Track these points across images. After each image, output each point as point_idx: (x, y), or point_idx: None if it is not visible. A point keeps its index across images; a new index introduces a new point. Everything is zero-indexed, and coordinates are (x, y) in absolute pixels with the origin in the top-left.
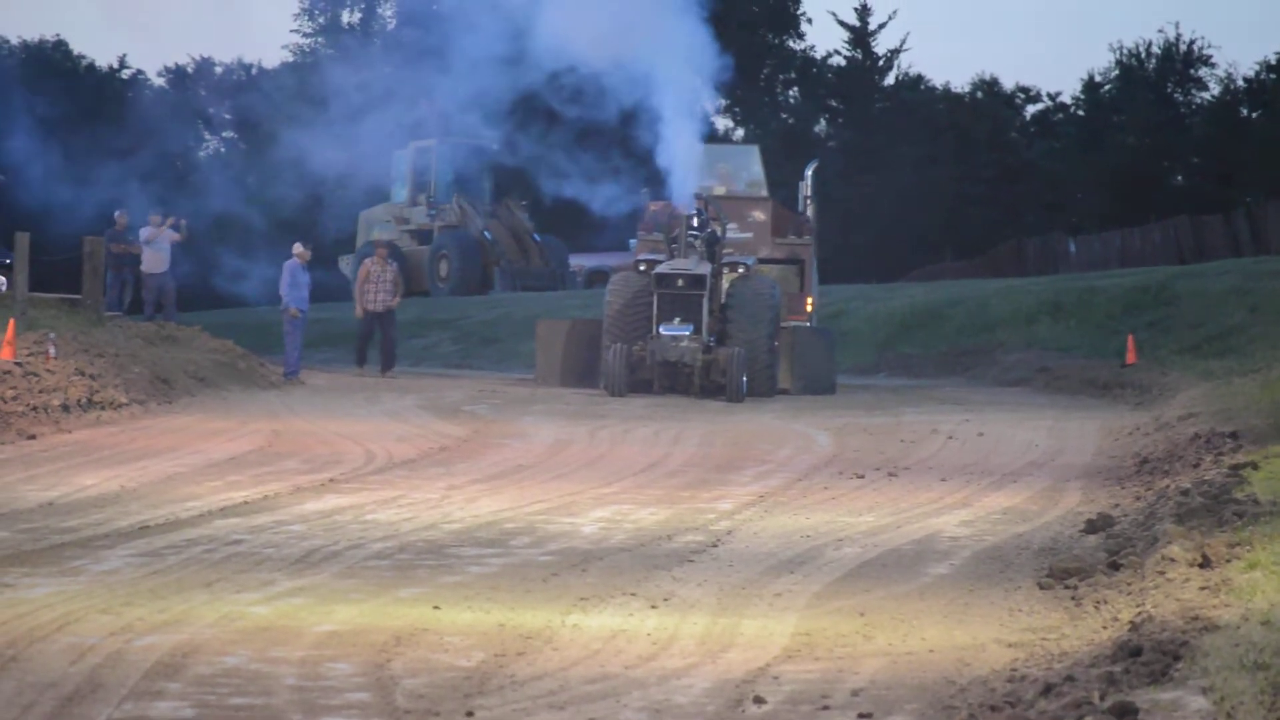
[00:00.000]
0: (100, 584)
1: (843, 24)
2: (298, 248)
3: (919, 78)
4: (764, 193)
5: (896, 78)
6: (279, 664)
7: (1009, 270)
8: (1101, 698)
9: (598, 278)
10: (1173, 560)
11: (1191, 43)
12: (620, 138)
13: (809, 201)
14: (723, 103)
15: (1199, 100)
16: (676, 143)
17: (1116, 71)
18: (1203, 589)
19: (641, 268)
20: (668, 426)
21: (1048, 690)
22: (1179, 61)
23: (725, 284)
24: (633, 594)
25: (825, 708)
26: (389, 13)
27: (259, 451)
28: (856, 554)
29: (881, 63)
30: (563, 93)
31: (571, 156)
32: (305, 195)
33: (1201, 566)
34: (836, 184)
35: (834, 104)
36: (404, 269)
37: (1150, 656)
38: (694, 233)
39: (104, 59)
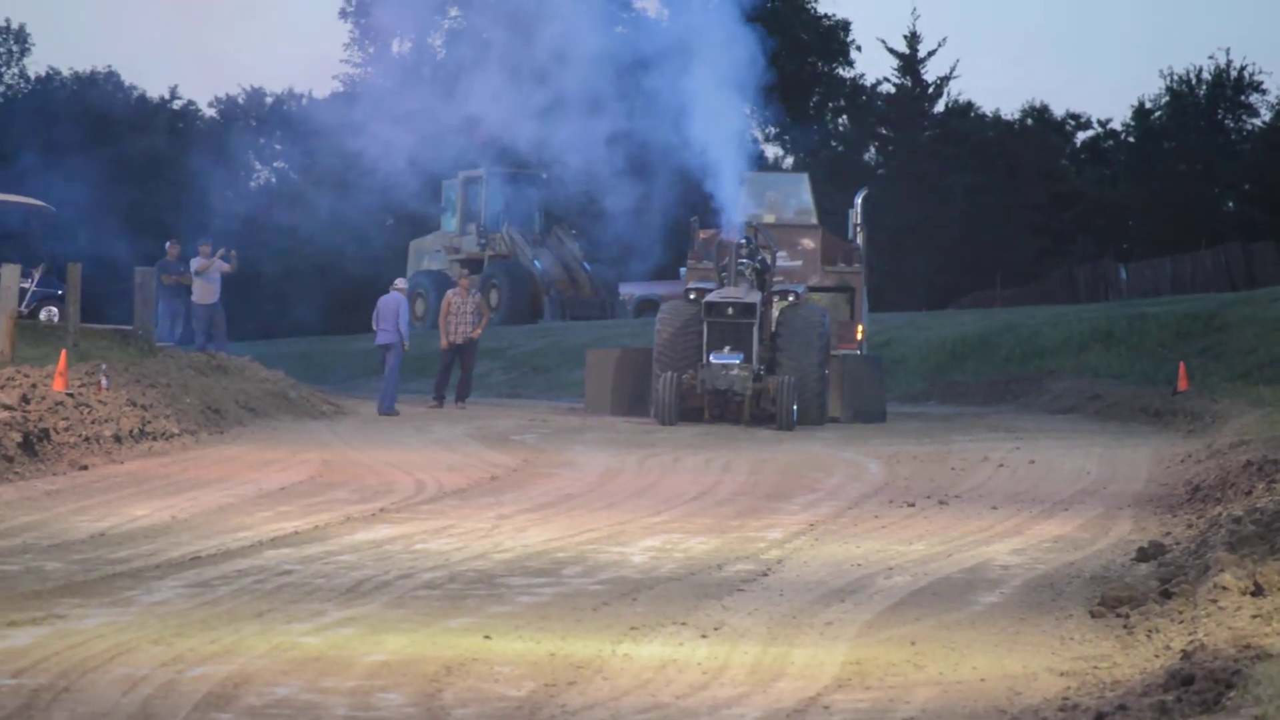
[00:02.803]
0: (152, 614)
1: (892, 51)
2: (400, 283)
3: (969, 105)
4: (813, 220)
5: (946, 105)
6: (330, 694)
7: (1060, 297)
8: None
9: (647, 306)
10: (1225, 588)
11: (1242, 69)
12: (669, 164)
13: (859, 229)
14: (772, 130)
15: (1250, 126)
16: (725, 171)
17: (1167, 98)
18: (1255, 617)
19: (691, 296)
20: (718, 455)
21: (1100, 719)
22: (1230, 88)
23: (775, 312)
24: (683, 623)
25: None
26: (438, 42)
27: (310, 481)
28: (907, 583)
29: (931, 90)
30: (612, 117)
31: (618, 183)
32: (354, 224)
33: (1254, 594)
34: (886, 212)
35: (883, 131)
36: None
37: (1202, 685)
38: (744, 261)
39: (155, 89)
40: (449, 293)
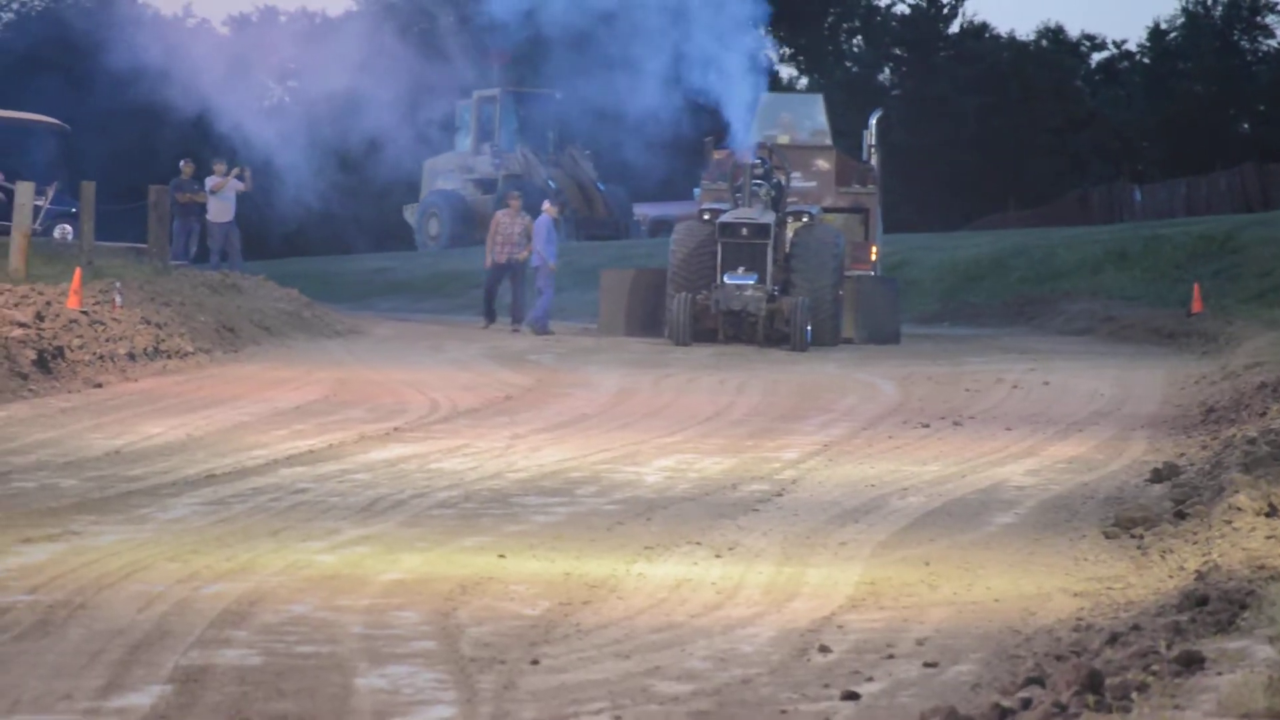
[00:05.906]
0: (167, 532)
1: None
2: (548, 205)
3: (983, 26)
4: (828, 141)
5: (961, 26)
6: (345, 612)
7: (1074, 219)
8: (1168, 647)
9: (661, 227)
10: (1239, 509)
11: None
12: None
13: (873, 150)
14: (784, 49)
15: (1265, 48)
16: (739, 91)
17: (1182, 19)
18: (1269, 538)
19: (706, 217)
20: (732, 375)
21: (1114, 640)
22: (1245, 8)
23: (789, 233)
24: (698, 543)
25: (890, 657)
26: None
27: (324, 400)
28: (921, 503)
29: (946, 10)
30: (620, 38)
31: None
32: (366, 145)
33: (1268, 515)
34: (900, 133)
35: (898, 52)
36: (468, 218)
37: (1217, 606)
38: (758, 182)
39: (169, 7)
40: (498, 213)
